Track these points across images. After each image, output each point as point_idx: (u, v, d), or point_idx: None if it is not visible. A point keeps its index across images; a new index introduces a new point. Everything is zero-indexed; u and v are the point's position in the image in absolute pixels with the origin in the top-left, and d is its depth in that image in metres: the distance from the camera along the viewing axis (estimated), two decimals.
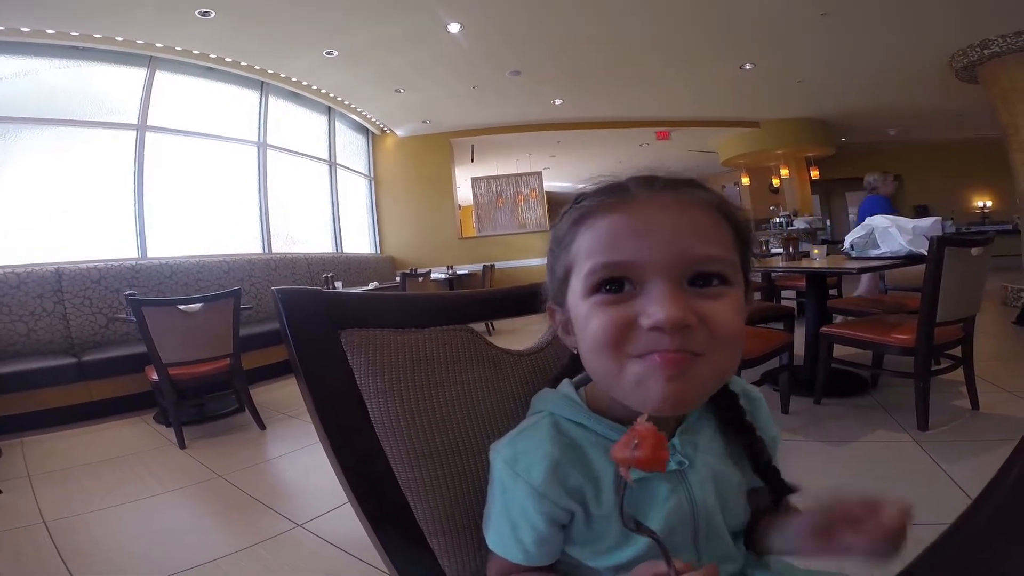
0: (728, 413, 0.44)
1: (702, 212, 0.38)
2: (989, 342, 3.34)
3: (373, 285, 4.28)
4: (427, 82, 5.83)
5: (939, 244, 1.87)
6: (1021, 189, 5.22)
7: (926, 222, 2.38)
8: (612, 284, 0.36)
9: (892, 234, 2.31)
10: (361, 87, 5.94)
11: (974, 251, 2.00)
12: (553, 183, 12.52)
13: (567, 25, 4.66)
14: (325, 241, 6.43)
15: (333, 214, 6.59)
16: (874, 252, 2.36)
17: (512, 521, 0.42)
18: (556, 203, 15.12)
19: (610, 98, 6.79)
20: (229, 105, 5.28)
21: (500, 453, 0.43)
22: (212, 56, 4.75)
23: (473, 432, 0.50)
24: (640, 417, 0.34)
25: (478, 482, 0.47)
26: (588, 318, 0.37)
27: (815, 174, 9.12)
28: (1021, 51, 5.04)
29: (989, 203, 10.47)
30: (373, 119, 7.10)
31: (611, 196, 0.39)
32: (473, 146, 8.10)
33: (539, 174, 8.64)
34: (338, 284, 4.16)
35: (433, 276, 5.55)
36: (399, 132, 7.60)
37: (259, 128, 5.54)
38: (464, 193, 8.91)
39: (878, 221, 2.39)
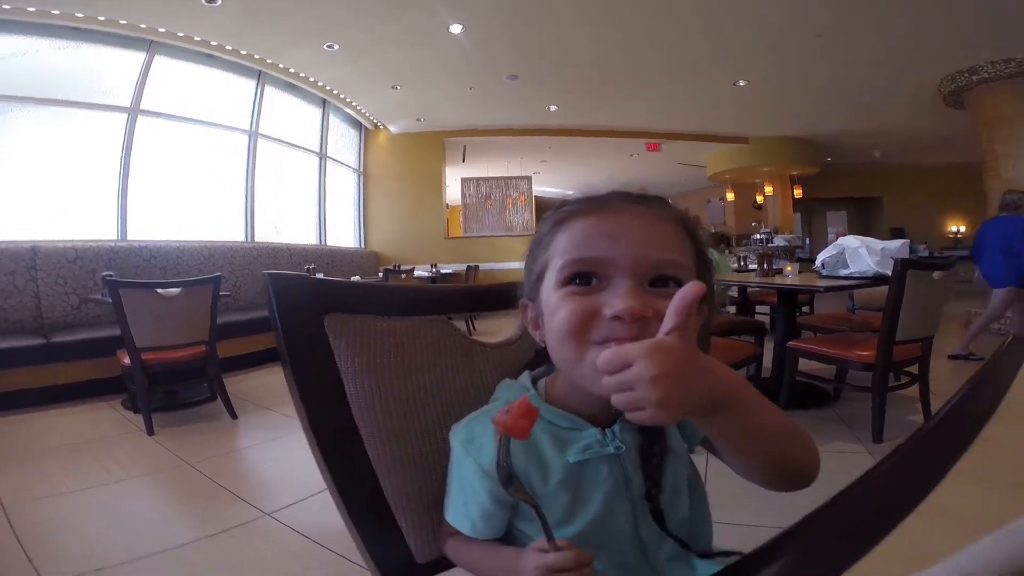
0: None
1: (667, 224, 0.42)
2: (947, 363, 3.48)
3: (355, 279, 4.26)
4: (424, 81, 5.85)
5: (902, 266, 1.96)
6: (992, 215, 5.39)
7: (894, 244, 2.48)
8: (581, 278, 0.41)
9: (861, 254, 2.41)
10: (358, 82, 5.93)
11: (935, 274, 2.10)
12: (543, 188, 12.59)
13: (566, 32, 4.73)
14: (309, 233, 6.38)
15: (319, 206, 6.54)
16: (843, 272, 2.45)
17: (464, 496, 0.47)
18: (545, 208, 15.10)
19: (603, 107, 6.88)
20: (224, 92, 5.24)
21: (457, 434, 0.47)
22: (213, 43, 4.73)
23: (443, 416, 0.52)
24: (525, 394, 0.40)
25: (445, 463, 0.50)
26: (557, 307, 0.41)
27: (798, 192, 9.33)
28: (1009, 78, 5.15)
29: (963, 228, 10.76)
30: (367, 114, 7.08)
31: (590, 204, 0.43)
32: (465, 147, 8.13)
33: (529, 178, 8.71)
34: (319, 276, 4.14)
35: (416, 274, 5.55)
36: (392, 128, 7.59)
37: (252, 117, 5.49)
38: (453, 192, 8.92)
39: (849, 241, 2.48)
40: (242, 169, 5.37)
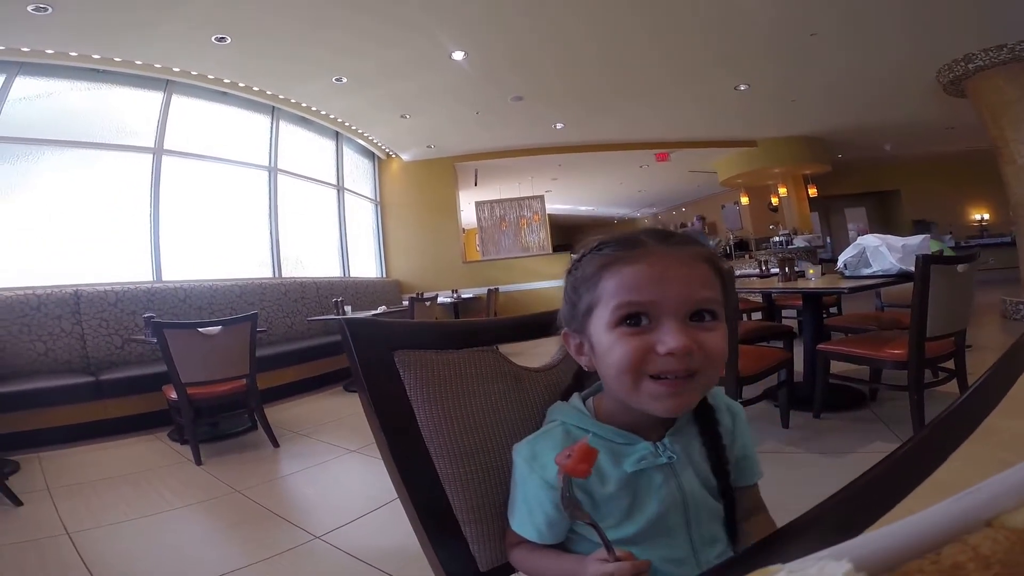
0: (706, 423, 0.55)
1: (701, 264, 0.50)
2: (987, 355, 3.40)
3: (381, 309, 4.37)
4: (432, 107, 6.04)
5: (924, 262, 1.96)
6: (1015, 201, 5.26)
7: (915, 240, 2.48)
8: (632, 319, 0.47)
9: (883, 253, 2.41)
10: (368, 112, 6.15)
11: (960, 268, 2.09)
12: (555, 206, 12.69)
13: (567, 50, 4.86)
14: (333, 265, 6.57)
15: (341, 238, 6.74)
16: (866, 271, 2.45)
17: (529, 507, 0.53)
18: (558, 225, 15.29)
19: (609, 121, 6.98)
20: (241, 130, 5.48)
21: (520, 452, 0.54)
22: (226, 80, 4.96)
23: (500, 435, 0.59)
24: (585, 437, 0.48)
25: (503, 476, 0.57)
26: (614, 345, 0.48)
27: (813, 192, 9.24)
28: (1004, 64, 5.12)
29: (987, 215, 10.53)
30: (379, 143, 7.31)
31: (631, 248, 0.50)
32: (476, 170, 8.30)
33: (541, 197, 8.81)
34: (348, 308, 4.26)
35: (440, 300, 5.64)
36: (404, 156, 7.81)
37: (270, 152, 5.73)
38: (467, 217, 9.07)
39: (869, 240, 2.49)
40: (264, 205, 5.58)
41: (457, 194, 8.15)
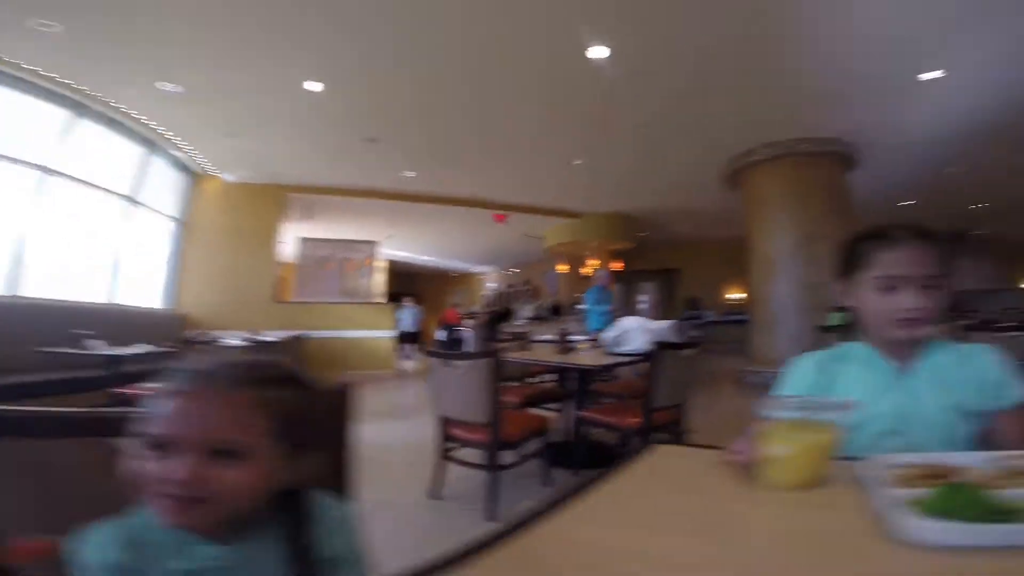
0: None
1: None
2: (706, 415, 4.18)
3: (142, 348, 3.66)
4: (273, 133, 5.66)
5: (658, 348, 2.42)
6: (752, 286, 6.56)
7: (663, 325, 3.05)
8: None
9: (636, 335, 2.90)
10: (195, 126, 5.52)
11: (684, 353, 2.62)
12: (396, 252, 12.60)
13: (431, 102, 4.96)
14: (100, 288, 5.44)
15: (118, 258, 5.66)
16: (624, 348, 2.92)
17: None
18: (397, 272, 15.09)
19: (460, 176, 7.25)
20: (20, 119, 4.43)
21: None
22: (30, 67, 4.15)
23: None
24: None
25: None
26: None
27: (619, 266, 10.68)
28: (770, 160, 6.01)
29: (740, 295, 13.12)
30: (201, 160, 6.53)
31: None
32: (310, 204, 7.83)
33: (374, 243, 8.63)
34: (97, 343, 3.54)
35: (230, 342, 5.02)
36: (227, 177, 7.07)
37: (50, 150, 4.67)
38: (291, 251, 8.45)
39: (628, 323, 2.99)
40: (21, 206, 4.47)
41: (281, 226, 7.57)
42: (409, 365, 8.59)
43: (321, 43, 3.94)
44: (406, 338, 10.22)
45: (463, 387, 2.18)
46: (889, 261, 0.86)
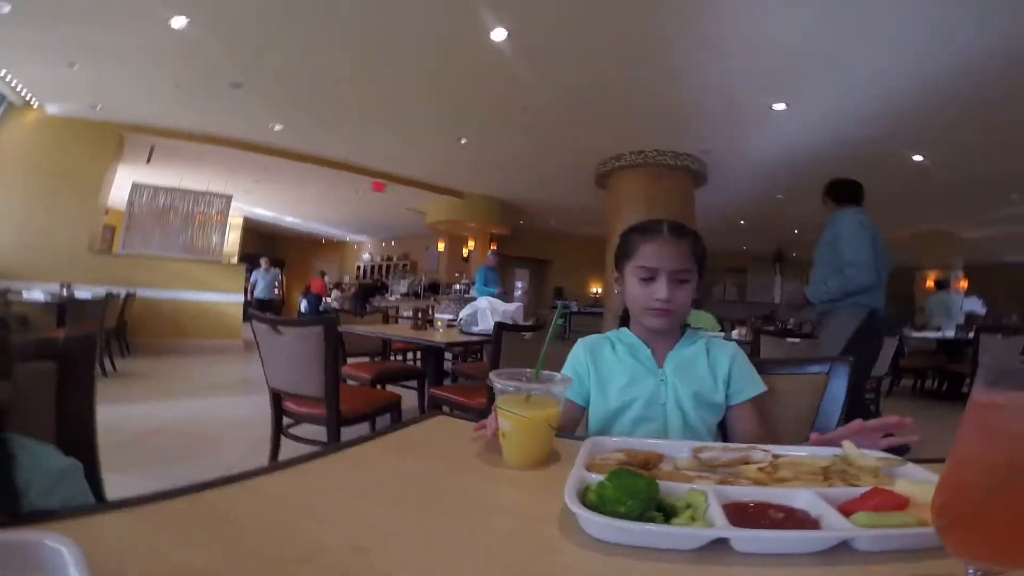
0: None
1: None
2: None
3: None
4: (119, 66, 4.74)
5: (497, 328, 2.50)
6: (607, 281, 7.20)
7: (512, 306, 3.17)
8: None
9: (488, 315, 2.98)
10: (21, 48, 4.43)
11: (526, 335, 2.76)
12: (256, 209, 11.41)
13: (305, 51, 4.47)
14: None
15: None
16: (475, 328, 2.99)
17: None
18: (254, 231, 13.68)
19: (333, 138, 6.74)
20: None
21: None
22: None
23: None
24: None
25: None
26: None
27: (494, 248, 10.93)
28: (634, 167, 6.50)
29: (599, 289, 14.30)
30: (19, 86, 5.28)
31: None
32: (153, 147, 6.70)
33: (229, 197, 7.68)
34: None
35: (30, 296, 4.20)
36: (50, 109, 5.82)
37: None
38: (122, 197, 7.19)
39: (480, 303, 3.06)
40: None
41: (113, 168, 6.43)
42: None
43: None
44: (260, 306, 9.40)
45: (293, 357, 2.04)
46: (648, 252, 0.95)
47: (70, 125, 5.99)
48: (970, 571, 0.32)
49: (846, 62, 4.13)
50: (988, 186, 7.09)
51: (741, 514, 0.46)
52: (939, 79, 4.22)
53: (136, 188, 6.93)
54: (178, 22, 3.93)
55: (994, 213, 8.59)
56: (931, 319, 7.00)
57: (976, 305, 7.59)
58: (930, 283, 9.96)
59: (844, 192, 2.94)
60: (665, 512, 0.47)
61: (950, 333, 5.29)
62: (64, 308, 4.26)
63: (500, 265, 8.62)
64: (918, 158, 6.14)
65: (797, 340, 3.58)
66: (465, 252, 11.05)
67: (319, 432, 2.11)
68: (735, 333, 4.12)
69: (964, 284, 9.16)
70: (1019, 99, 4.53)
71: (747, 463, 0.59)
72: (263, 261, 9.68)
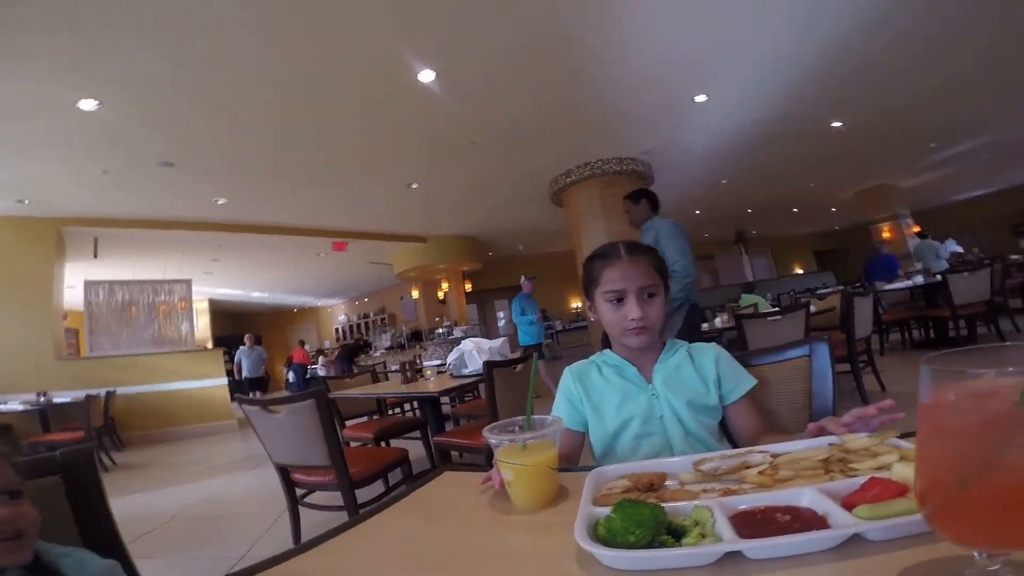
0: None
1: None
2: None
3: None
4: (39, 157, 4.59)
5: (486, 367, 2.49)
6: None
7: (496, 342, 3.16)
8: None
9: (475, 356, 2.97)
10: None
11: (517, 368, 2.75)
12: (221, 290, 11.18)
13: (225, 121, 4.44)
14: None
15: None
16: (465, 371, 2.96)
17: None
18: (223, 312, 13.34)
19: (278, 203, 6.65)
20: None
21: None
22: None
23: None
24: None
25: None
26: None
27: (469, 286, 10.93)
28: (585, 180, 6.64)
29: (580, 304, 14.45)
30: None
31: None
32: (96, 239, 6.46)
33: (188, 282, 7.51)
34: None
35: (7, 408, 4.01)
36: None
37: None
38: (76, 297, 6.95)
39: (466, 345, 3.04)
40: None
41: (60, 267, 6.18)
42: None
43: (88, 57, 3.33)
44: (251, 385, 9.17)
45: (291, 432, 2.00)
46: (612, 276, 0.97)
47: (3, 224, 5.72)
48: (976, 553, 0.33)
49: (749, 46, 4.38)
50: (907, 140, 7.62)
51: (749, 522, 0.47)
52: (842, 48, 4.51)
53: (90, 286, 6.68)
54: (87, 104, 3.85)
55: (920, 162, 9.18)
56: (922, 263, 7.24)
57: (954, 246, 7.97)
58: (886, 234, 10.41)
59: (655, 201, 3.29)
60: (675, 533, 0.48)
61: (919, 279, 5.42)
62: (46, 413, 4.11)
63: (480, 300, 8.47)
64: (837, 124, 6.52)
65: (779, 316, 3.58)
66: (441, 294, 11.01)
67: (334, 497, 2.07)
68: (717, 321, 4.19)
69: (916, 229, 9.57)
70: (920, 59, 4.91)
71: (747, 467, 0.60)
72: (247, 339, 9.48)
